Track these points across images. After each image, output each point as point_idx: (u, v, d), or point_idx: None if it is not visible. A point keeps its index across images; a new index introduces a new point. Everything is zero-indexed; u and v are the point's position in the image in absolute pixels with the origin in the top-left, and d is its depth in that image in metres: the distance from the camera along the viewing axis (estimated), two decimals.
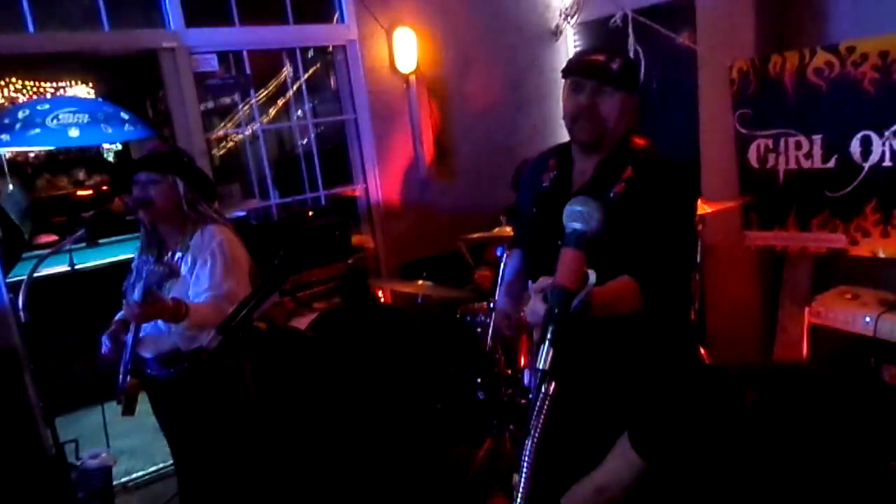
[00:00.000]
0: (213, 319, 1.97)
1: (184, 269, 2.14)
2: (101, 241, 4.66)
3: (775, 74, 3.05)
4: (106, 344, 2.19)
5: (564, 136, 1.84)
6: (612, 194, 1.65)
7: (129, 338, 2.10)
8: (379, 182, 3.96)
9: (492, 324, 2.55)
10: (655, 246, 1.55)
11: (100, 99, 6.94)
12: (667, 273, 1.59)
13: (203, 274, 2.12)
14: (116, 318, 2.27)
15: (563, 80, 1.77)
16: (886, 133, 2.74)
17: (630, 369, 1.71)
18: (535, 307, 1.15)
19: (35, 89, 6.89)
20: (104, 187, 7.72)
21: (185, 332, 2.14)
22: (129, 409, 2.21)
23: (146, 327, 2.15)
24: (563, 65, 1.79)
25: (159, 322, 2.16)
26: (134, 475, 3.40)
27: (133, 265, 2.30)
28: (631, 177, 1.67)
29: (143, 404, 2.31)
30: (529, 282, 1.50)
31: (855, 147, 2.85)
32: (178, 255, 2.18)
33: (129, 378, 2.16)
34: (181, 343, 2.17)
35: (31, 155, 7.59)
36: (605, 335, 1.62)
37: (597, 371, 1.70)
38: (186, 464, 2.46)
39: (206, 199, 2.25)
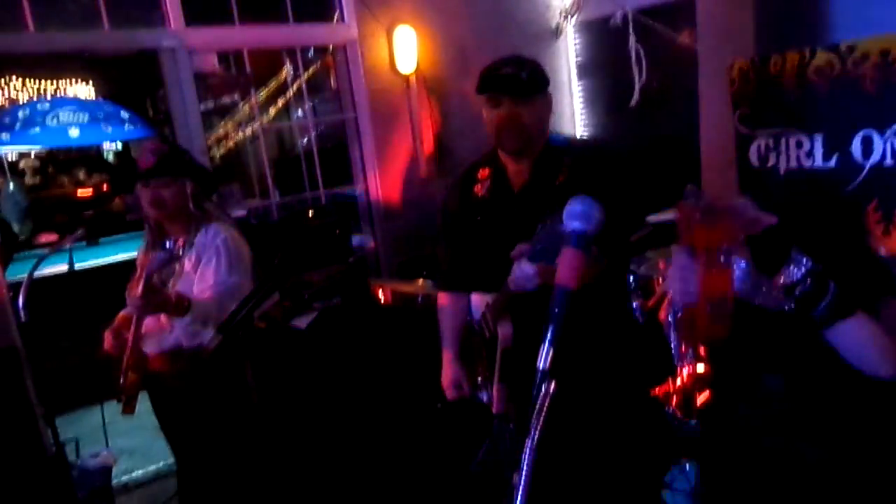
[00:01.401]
0: (217, 315, 1.99)
1: (188, 266, 2.16)
2: (101, 240, 4.66)
3: (775, 74, 3.05)
4: (108, 339, 2.21)
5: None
6: (556, 184, 1.75)
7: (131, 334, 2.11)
8: (379, 182, 3.96)
9: (445, 381, 2.18)
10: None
11: (100, 98, 6.95)
12: (617, 239, 1.63)
13: (208, 270, 2.14)
14: (120, 314, 2.28)
15: (481, 95, 1.81)
16: (887, 132, 2.74)
17: (619, 367, 1.74)
18: (523, 269, 1.16)
19: (35, 89, 6.89)
20: (104, 187, 7.73)
21: (187, 327, 2.15)
22: (129, 408, 2.21)
23: (148, 323, 2.16)
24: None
25: (162, 318, 2.17)
26: (134, 475, 3.40)
27: (138, 264, 2.31)
28: (571, 164, 1.78)
29: (143, 403, 2.31)
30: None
31: (856, 146, 2.84)
32: (182, 251, 2.19)
33: (129, 374, 2.17)
34: (184, 340, 2.19)
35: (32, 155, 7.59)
36: (591, 332, 1.65)
37: (586, 368, 1.71)
38: (186, 463, 2.46)
39: (208, 194, 2.29)
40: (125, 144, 7.74)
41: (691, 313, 1.02)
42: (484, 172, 1.93)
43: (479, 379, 2.11)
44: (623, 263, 1.92)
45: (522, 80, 1.74)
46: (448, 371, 2.14)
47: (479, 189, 1.92)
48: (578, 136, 1.94)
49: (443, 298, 2.13)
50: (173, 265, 2.13)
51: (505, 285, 1.70)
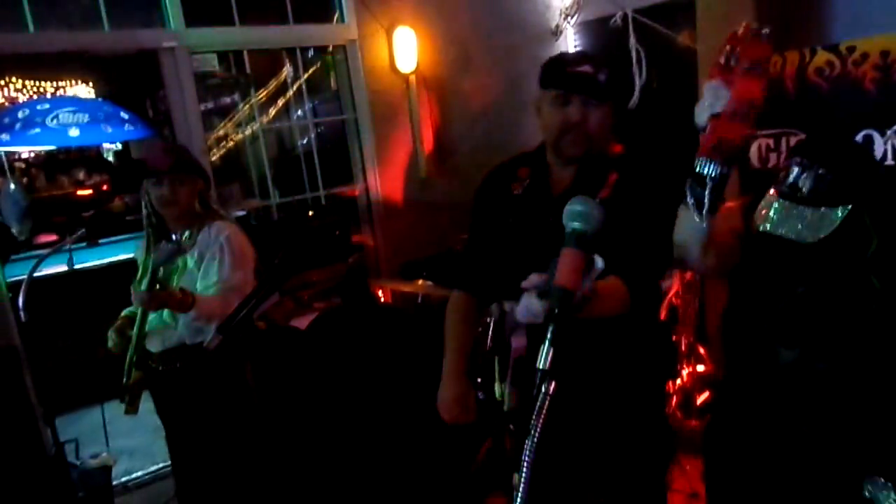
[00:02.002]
0: (220, 312, 2.00)
1: (191, 264, 2.18)
2: (100, 240, 4.65)
3: (775, 74, 3.04)
4: (112, 338, 2.23)
5: None
6: (598, 198, 1.58)
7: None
8: (379, 182, 3.96)
9: (448, 397, 1.90)
10: (641, 247, 1.53)
11: (100, 99, 6.95)
12: (651, 273, 1.59)
13: (212, 268, 2.16)
14: (123, 313, 2.30)
15: (544, 91, 1.65)
16: (888, 132, 2.74)
17: (620, 367, 1.72)
18: (530, 305, 1.13)
19: (35, 89, 6.89)
20: (104, 187, 7.73)
21: (191, 324, 2.16)
22: (132, 407, 2.22)
23: (152, 320, 2.17)
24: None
25: (165, 315, 2.18)
26: (134, 475, 3.40)
27: (140, 261, 2.33)
28: (617, 181, 1.64)
29: (144, 403, 2.32)
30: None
31: None
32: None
33: (133, 372, 2.18)
34: (187, 337, 2.20)
35: (32, 155, 7.59)
36: (596, 334, 1.63)
37: (591, 370, 1.70)
38: (185, 462, 2.46)
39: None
40: (125, 145, 7.74)
41: (714, 125, 1.34)
42: (524, 171, 1.78)
43: (479, 380, 2.07)
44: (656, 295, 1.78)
45: (600, 84, 1.58)
46: (452, 386, 1.85)
47: (516, 187, 1.77)
48: (628, 145, 1.74)
49: (457, 299, 1.89)
50: (177, 258, 2.12)
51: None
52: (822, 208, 1.34)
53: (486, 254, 1.82)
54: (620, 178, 1.64)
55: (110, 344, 2.23)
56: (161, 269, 2.02)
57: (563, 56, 1.66)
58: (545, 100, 1.66)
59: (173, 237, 2.09)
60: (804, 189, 1.36)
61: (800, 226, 1.35)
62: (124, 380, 2.19)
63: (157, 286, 2.01)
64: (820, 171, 1.35)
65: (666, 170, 1.69)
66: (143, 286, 2.04)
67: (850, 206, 1.33)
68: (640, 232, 1.54)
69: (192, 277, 2.18)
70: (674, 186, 1.69)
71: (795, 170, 1.39)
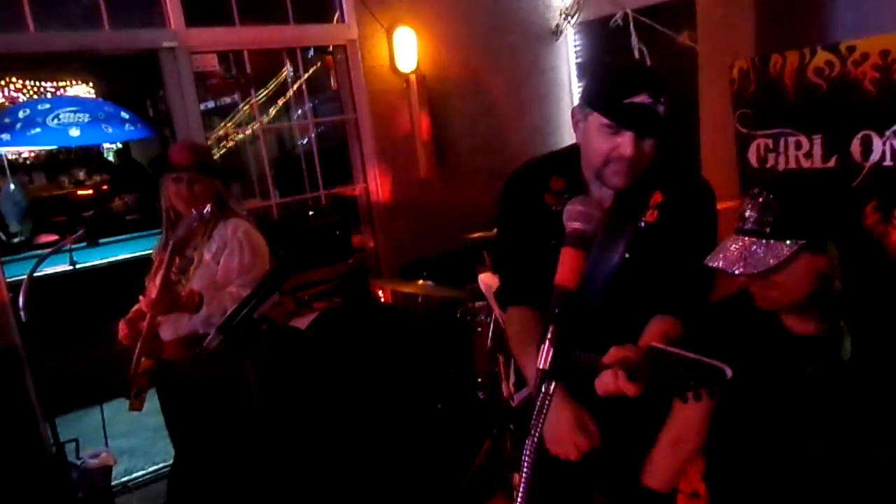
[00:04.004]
0: (234, 305, 2.01)
1: (207, 256, 2.22)
2: (101, 240, 4.66)
3: (775, 74, 3.05)
4: (123, 329, 2.24)
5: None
6: (642, 223, 1.52)
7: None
8: (379, 182, 3.96)
9: (556, 434, 1.52)
10: (691, 270, 1.44)
11: (100, 99, 6.95)
12: (702, 296, 1.52)
13: (231, 262, 2.22)
14: (135, 307, 2.31)
15: (592, 112, 1.47)
16: (887, 133, 2.74)
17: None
18: (616, 383, 0.99)
19: (35, 89, 6.89)
20: (104, 187, 7.73)
21: (208, 318, 2.18)
22: (138, 402, 2.23)
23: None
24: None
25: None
26: (134, 475, 3.40)
27: (154, 260, 2.35)
28: (663, 202, 1.52)
29: (148, 402, 2.31)
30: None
31: (855, 147, 2.84)
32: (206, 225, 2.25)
33: (143, 361, 2.20)
34: (200, 326, 2.22)
35: (32, 155, 7.59)
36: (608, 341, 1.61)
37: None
38: (185, 460, 2.46)
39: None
40: (125, 144, 7.74)
41: None
42: (559, 183, 1.61)
43: (479, 380, 2.08)
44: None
45: (659, 117, 1.40)
46: (562, 411, 1.49)
47: (551, 200, 1.60)
48: (670, 160, 1.57)
49: (519, 317, 1.67)
50: (199, 230, 2.18)
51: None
52: (768, 241, 1.18)
53: (528, 267, 1.64)
54: (666, 198, 1.53)
55: (121, 335, 2.24)
56: (177, 254, 2.10)
57: (620, 79, 1.43)
58: (592, 123, 1.47)
59: (194, 213, 2.10)
60: (750, 219, 1.22)
61: (736, 254, 1.20)
62: (131, 369, 2.20)
63: (166, 289, 2.06)
64: (769, 199, 1.20)
65: (705, 187, 1.60)
66: (154, 293, 2.08)
67: (801, 242, 1.16)
68: (689, 252, 1.45)
69: (208, 270, 2.22)
70: (713, 206, 1.59)
71: (747, 201, 1.25)
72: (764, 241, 1.19)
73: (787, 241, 1.17)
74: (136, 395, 2.22)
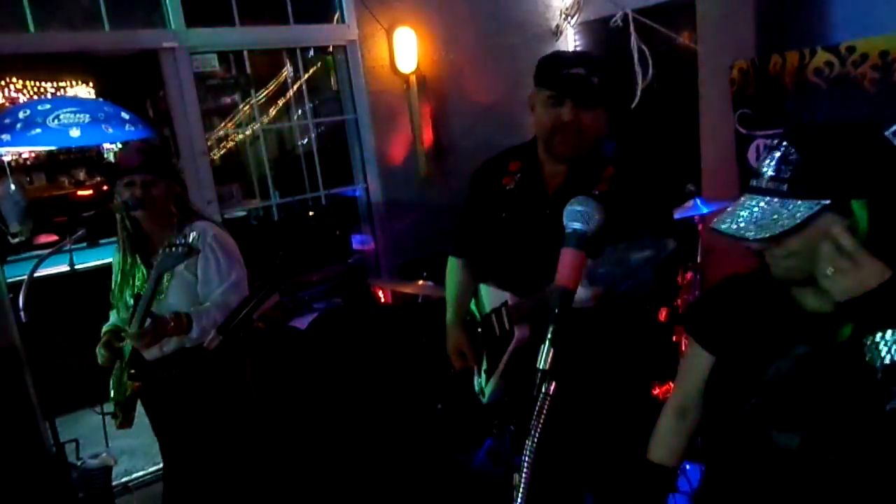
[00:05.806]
0: (223, 315, 1.97)
1: (180, 266, 2.10)
2: (101, 240, 4.65)
3: (775, 74, 3.05)
4: (101, 354, 2.20)
5: None
6: (595, 192, 1.64)
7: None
8: (379, 182, 3.96)
9: (450, 348, 2.06)
10: (639, 234, 1.55)
11: (100, 99, 6.94)
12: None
13: (209, 272, 2.13)
14: (105, 328, 2.27)
15: (540, 89, 1.68)
16: (886, 133, 2.74)
17: (619, 365, 1.73)
18: (579, 293, 1.05)
19: (35, 89, 6.89)
20: (104, 187, 7.72)
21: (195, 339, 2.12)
22: (126, 420, 2.21)
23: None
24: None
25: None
26: (134, 475, 3.40)
27: (118, 269, 2.31)
28: (613, 174, 1.68)
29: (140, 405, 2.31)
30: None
31: None
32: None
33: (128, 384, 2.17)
34: (186, 341, 2.16)
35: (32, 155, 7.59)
36: (595, 332, 1.63)
37: (590, 368, 1.70)
38: (182, 465, 2.45)
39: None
40: (125, 145, 7.74)
41: None
42: (515, 165, 1.80)
43: (476, 369, 2.08)
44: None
45: (594, 86, 1.59)
46: (452, 337, 2.00)
47: (507, 181, 1.80)
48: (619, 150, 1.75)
49: (454, 263, 2.03)
50: (185, 261, 2.03)
51: (539, 295, 1.62)
52: (777, 199, 1.00)
53: (479, 235, 1.91)
54: (617, 171, 1.68)
55: (100, 360, 2.19)
56: (163, 277, 2.01)
57: (559, 56, 1.66)
58: (539, 98, 1.68)
59: (179, 241, 1.98)
60: (766, 174, 1.02)
61: (746, 215, 1.02)
62: (112, 394, 2.17)
63: (148, 319, 1.95)
64: (788, 150, 1.00)
65: (660, 165, 1.72)
66: (134, 324, 1.98)
67: (824, 203, 0.97)
68: (641, 223, 1.54)
69: (183, 280, 2.13)
70: (669, 178, 1.78)
71: (764, 154, 1.05)
72: (778, 201, 1.00)
73: (807, 201, 0.97)
74: (124, 416, 2.20)
